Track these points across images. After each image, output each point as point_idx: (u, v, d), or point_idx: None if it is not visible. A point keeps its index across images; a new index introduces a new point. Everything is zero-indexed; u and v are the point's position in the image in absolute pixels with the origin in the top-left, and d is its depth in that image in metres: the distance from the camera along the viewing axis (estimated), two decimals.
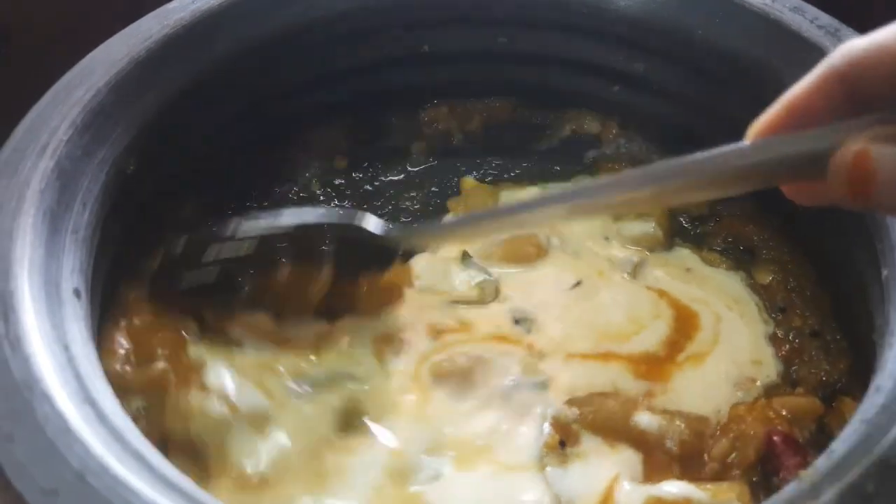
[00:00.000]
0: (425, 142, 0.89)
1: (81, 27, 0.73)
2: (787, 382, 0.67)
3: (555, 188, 0.62)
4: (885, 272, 0.57)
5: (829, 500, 0.42)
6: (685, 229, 0.81)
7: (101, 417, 0.49)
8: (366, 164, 0.88)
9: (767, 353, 0.69)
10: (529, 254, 0.75)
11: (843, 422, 0.56)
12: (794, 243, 0.76)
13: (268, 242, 0.66)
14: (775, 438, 0.61)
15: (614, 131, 0.88)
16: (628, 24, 0.78)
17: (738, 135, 0.78)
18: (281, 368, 0.64)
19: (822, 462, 0.45)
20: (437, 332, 0.69)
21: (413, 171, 0.88)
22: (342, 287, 0.67)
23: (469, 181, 0.85)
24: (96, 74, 0.66)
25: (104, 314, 0.63)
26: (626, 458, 0.60)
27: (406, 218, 0.83)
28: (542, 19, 0.83)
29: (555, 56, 0.85)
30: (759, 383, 0.66)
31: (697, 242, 0.79)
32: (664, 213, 0.79)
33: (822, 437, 0.62)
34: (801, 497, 0.43)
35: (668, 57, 0.78)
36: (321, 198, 0.85)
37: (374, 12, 0.82)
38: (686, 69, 0.78)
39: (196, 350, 0.63)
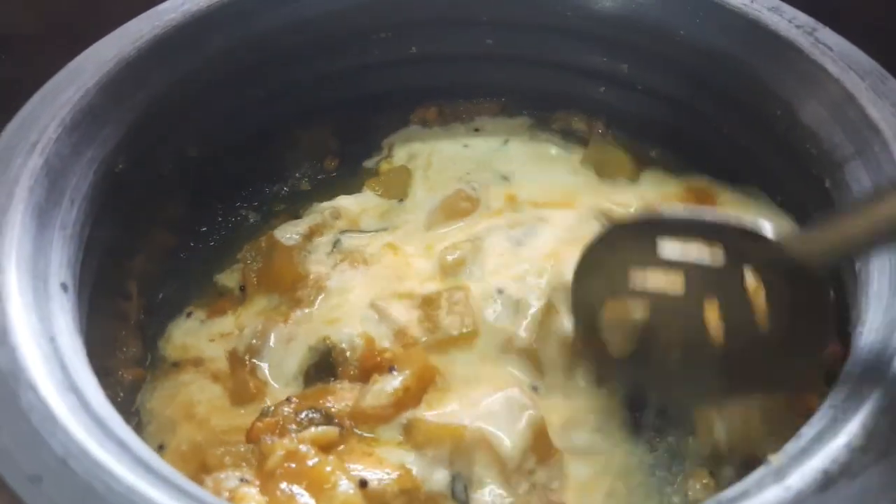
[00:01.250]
0: None
1: (73, 29, 0.74)
2: None
3: None
4: (857, 265, 0.58)
5: (792, 483, 0.43)
6: None
7: (85, 406, 0.50)
8: (355, 165, 0.89)
9: None
10: (466, 209, 0.79)
11: None
12: None
13: None
14: None
15: (600, 130, 0.89)
16: (612, 24, 0.79)
17: (720, 132, 0.80)
18: None
19: (790, 446, 0.46)
20: None
21: None
22: None
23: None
24: (86, 75, 0.67)
25: (93, 307, 0.64)
26: None
27: None
28: (528, 21, 0.83)
29: (541, 57, 0.86)
30: None
31: None
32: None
33: None
34: (768, 479, 0.43)
35: (651, 57, 0.79)
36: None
37: (362, 14, 0.83)
38: (668, 68, 0.79)
39: None
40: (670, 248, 0.56)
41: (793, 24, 0.70)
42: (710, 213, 0.60)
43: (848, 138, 0.63)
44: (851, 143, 0.62)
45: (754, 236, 0.52)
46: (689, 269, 0.56)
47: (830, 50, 0.67)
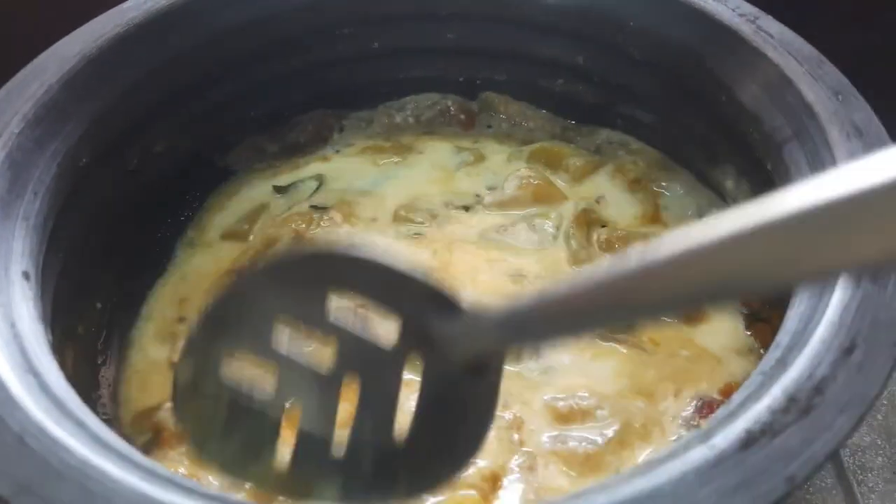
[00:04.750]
0: None
1: (36, 27, 0.75)
2: None
3: None
4: None
5: (717, 443, 0.45)
6: None
7: (44, 387, 0.51)
8: None
9: None
10: None
11: None
12: None
13: None
14: None
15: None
16: (567, 16, 0.81)
17: (678, 125, 0.82)
18: None
19: (720, 411, 0.48)
20: None
21: None
22: None
23: None
24: (49, 72, 0.69)
25: (58, 297, 0.66)
26: None
27: None
28: (488, 14, 0.86)
29: (502, 50, 0.88)
30: None
31: None
32: None
33: None
34: (694, 441, 0.45)
35: (605, 48, 0.81)
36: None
37: (325, 10, 0.84)
38: (622, 59, 0.81)
39: None
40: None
41: (736, 13, 0.72)
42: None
43: (787, 121, 0.65)
44: (789, 126, 0.64)
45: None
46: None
47: (771, 37, 0.69)
